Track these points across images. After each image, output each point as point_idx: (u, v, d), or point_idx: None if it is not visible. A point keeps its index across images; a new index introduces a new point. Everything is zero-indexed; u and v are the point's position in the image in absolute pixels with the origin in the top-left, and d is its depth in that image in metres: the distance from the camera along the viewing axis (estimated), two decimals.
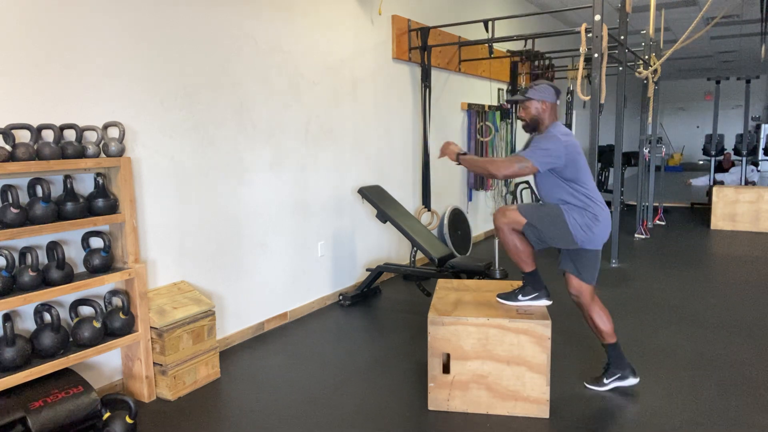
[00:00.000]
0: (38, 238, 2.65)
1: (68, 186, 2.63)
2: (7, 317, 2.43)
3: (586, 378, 3.08)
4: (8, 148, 2.43)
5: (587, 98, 4.66)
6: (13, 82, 2.55)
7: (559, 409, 2.79)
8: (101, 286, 2.84)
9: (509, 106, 7.37)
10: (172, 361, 2.99)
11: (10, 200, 2.43)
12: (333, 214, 4.62)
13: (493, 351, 2.71)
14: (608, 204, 2.89)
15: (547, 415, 2.72)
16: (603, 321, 2.89)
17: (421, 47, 5.50)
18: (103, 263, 2.76)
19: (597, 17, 4.45)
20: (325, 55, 4.42)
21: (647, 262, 5.82)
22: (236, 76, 3.66)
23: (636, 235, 7.16)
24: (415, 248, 4.94)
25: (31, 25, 2.59)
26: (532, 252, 2.86)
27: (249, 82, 3.75)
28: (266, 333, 3.96)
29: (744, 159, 9.48)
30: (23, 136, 2.58)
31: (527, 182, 7.38)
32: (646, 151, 7.08)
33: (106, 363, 3.01)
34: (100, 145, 2.75)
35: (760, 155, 11.14)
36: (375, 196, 4.65)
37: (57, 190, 2.73)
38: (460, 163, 2.85)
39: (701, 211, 9.24)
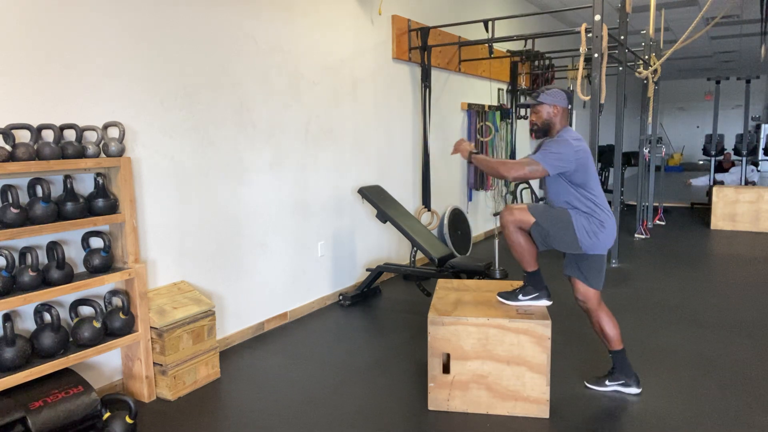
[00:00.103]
0: (38, 238, 2.65)
1: (68, 186, 2.63)
2: (7, 317, 2.43)
3: (586, 378, 3.08)
4: (8, 148, 2.43)
5: (587, 98, 4.66)
6: (13, 82, 2.55)
7: (559, 409, 2.79)
8: (101, 286, 2.84)
9: (509, 108, 7.37)
10: (172, 361, 2.99)
11: (10, 200, 2.42)
12: (333, 214, 4.62)
13: (493, 351, 2.71)
14: (608, 204, 2.89)
15: (547, 415, 2.72)
16: (610, 327, 2.89)
17: (421, 47, 5.50)
18: (103, 263, 2.76)
19: (597, 17, 4.45)
20: (325, 55, 4.42)
21: (647, 262, 5.82)
22: (236, 76, 3.66)
23: (636, 235, 7.16)
24: (415, 248, 4.94)
25: (31, 25, 2.59)
26: (535, 252, 2.86)
27: (249, 82, 3.75)
28: (266, 333, 3.96)
29: (744, 159, 9.48)
30: (23, 136, 2.58)
31: (527, 183, 7.38)
32: (646, 151, 7.08)
33: (106, 363, 3.01)
34: (100, 145, 2.75)
35: (760, 155, 11.15)
36: (375, 196, 4.65)
37: (57, 190, 2.73)
38: (471, 162, 2.86)
39: (701, 211, 9.24)
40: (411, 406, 2.86)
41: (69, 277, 2.63)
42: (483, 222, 7.30)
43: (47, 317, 2.63)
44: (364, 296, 4.70)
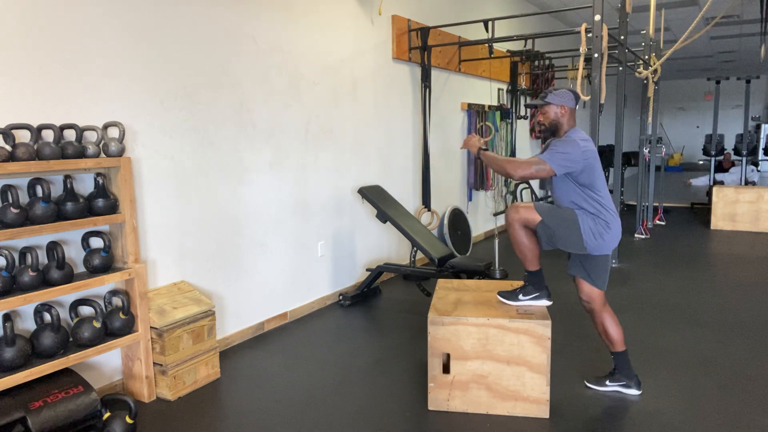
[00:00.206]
0: (38, 238, 2.65)
1: (68, 186, 2.63)
2: (7, 317, 2.43)
3: (586, 378, 3.08)
4: (8, 148, 2.43)
5: (587, 98, 4.66)
6: (13, 82, 2.55)
7: (559, 409, 2.79)
8: (101, 286, 2.84)
9: (509, 108, 7.38)
10: (172, 361, 2.99)
11: (10, 200, 2.42)
12: (333, 214, 4.62)
13: (493, 351, 2.71)
14: (614, 205, 2.89)
15: (547, 415, 2.72)
16: (614, 329, 2.89)
17: (421, 47, 5.50)
18: (103, 263, 2.76)
19: (597, 17, 4.45)
20: (325, 55, 4.43)
21: (647, 262, 5.82)
22: (236, 76, 3.66)
23: (636, 235, 7.16)
24: (415, 248, 4.94)
25: (31, 25, 2.59)
26: (538, 251, 2.86)
27: (249, 82, 3.75)
28: (266, 333, 3.96)
29: (744, 159, 9.48)
30: (23, 136, 2.58)
31: (527, 183, 7.38)
32: (646, 151, 7.08)
33: (106, 363, 3.01)
34: (100, 145, 2.75)
35: (760, 155, 11.14)
36: (375, 196, 4.65)
37: (57, 190, 2.73)
38: (479, 158, 2.86)
39: (701, 211, 9.24)
40: (411, 406, 2.86)
41: (69, 277, 2.63)
42: (483, 222, 7.30)
43: (47, 317, 2.64)
44: (364, 296, 4.70)
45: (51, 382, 2.54)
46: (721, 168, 10.30)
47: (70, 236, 2.82)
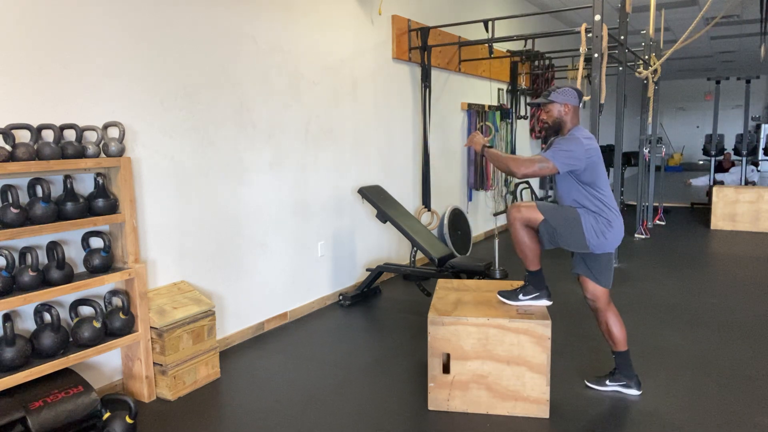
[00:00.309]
0: (38, 238, 2.65)
1: (68, 186, 2.63)
2: (7, 317, 2.43)
3: (586, 377, 3.08)
4: (8, 148, 2.43)
5: (587, 98, 4.65)
6: (13, 82, 2.55)
7: (559, 409, 2.79)
8: (101, 286, 2.84)
9: (509, 108, 7.37)
10: (172, 361, 2.99)
11: (10, 200, 2.42)
12: (333, 214, 4.62)
13: (493, 351, 2.71)
14: (616, 203, 2.88)
15: (547, 415, 2.72)
16: (618, 328, 2.88)
17: (421, 47, 5.50)
18: (103, 263, 2.76)
19: (597, 17, 4.45)
20: (325, 55, 4.43)
21: (647, 262, 5.82)
22: (236, 76, 3.66)
23: (636, 235, 7.16)
24: (415, 248, 4.94)
25: (31, 25, 2.59)
26: (539, 251, 2.86)
27: (249, 82, 3.75)
28: (266, 333, 3.96)
29: (744, 159, 9.48)
30: (23, 136, 2.58)
31: (527, 182, 7.38)
32: (646, 151, 7.08)
33: (106, 363, 3.01)
34: (100, 145, 2.75)
35: (760, 155, 11.14)
36: (375, 196, 4.65)
37: (57, 190, 2.73)
38: (483, 155, 2.86)
39: (701, 211, 9.24)
40: (411, 406, 2.86)
41: (69, 277, 2.63)
42: (483, 222, 7.30)
43: (47, 317, 2.64)
44: (364, 296, 4.70)
45: (51, 382, 2.54)
46: (721, 168, 10.31)
47: (70, 236, 2.82)
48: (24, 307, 2.61)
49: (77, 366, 2.82)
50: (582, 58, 4.54)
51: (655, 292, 4.77)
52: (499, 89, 7.45)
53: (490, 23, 5.31)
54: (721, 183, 9.49)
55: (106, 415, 2.53)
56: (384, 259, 5.29)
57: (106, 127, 2.82)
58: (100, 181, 2.71)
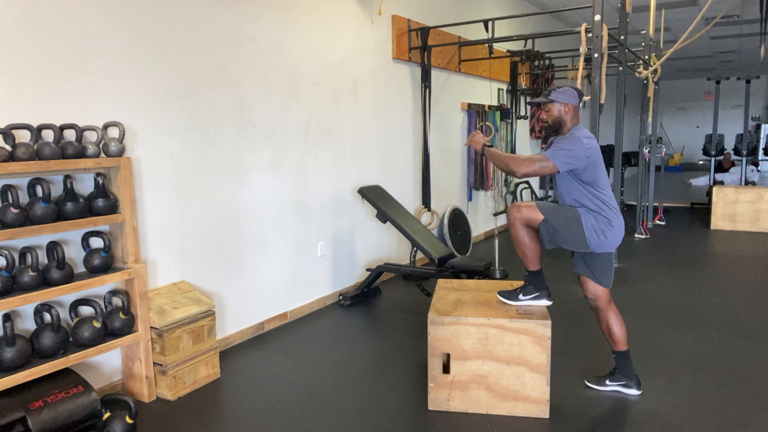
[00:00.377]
0: (38, 238, 2.65)
1: (68, 186, 2.63)
2: (7, 317, 2.43)
3: (586, 377, 3.08)
4: (8, 148, 2.43)
5: (587, 98, 4.65)
6: (13, 82, 2.55)
7: (559, 409, 2.79)
8: (101, 286, 2.84)
9: (509, 108, 7.37)
10: (172, 361, 2.99)
11: (10, 200, 2.42)
12: (333, 214, 4.62)
13: (493, 351, 2.71)
14: (617, 202, 2.89)
15: (547, 415, 2.72)
16: (618, 328, 2.89)
17: (421, 47, 5.50)
18: (103, 263, 2.76)
19: (597, 17, 4.45)
20: (325, 55, 4.43)
21: (647, 262, 5.82)
22: (236, 76, 3.66)
23: (636, 235, 7.16)
24: (415, 248, 4.94)
25: (31, 25, 2.59)
26: (539, 251, 2.86)
27: (249, 82, 3.75)
28: (266, 333, 3.96)
29: (744, 159, 9.48)
30: (23, 136, 2.58)
31: (527, 182, 7.38)
32: (646, 151, 7.08)
33: (106, 363, 3.01)
34: (100, 145, 2.75)
35: (760, 155, 11.15)
36: (375, 196, 4.65)
37: (57, 190, 2.73)
38: (483, 154, 2.86)
39: (701, 211, 9.24)
40: (411, 406, 2.86)
41: (69, 277, 2.63)
42: (483, 222, 7.30)
43: (47, 317, 2.63)
44: (364, 296, 4.70)
45: (51, 382, 2.54)
46: (721, 168, 10.31)
47: (70, 236, 2.82)
48: (24, 307, 2.61)
49: (77, 366, 2.82)
50: (582, 58, 4.54)
51: (655, 292, 4.77)
52: (499, 89, 7.45)
53: (490, 23, 5.31)
54: (721, 183, 9.49)
55: (106, 415, 2.53)
56: (384, 259, 5.29)
57: (106, 127, 2.82)
58: (100, 181, 2.71)
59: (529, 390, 2.71)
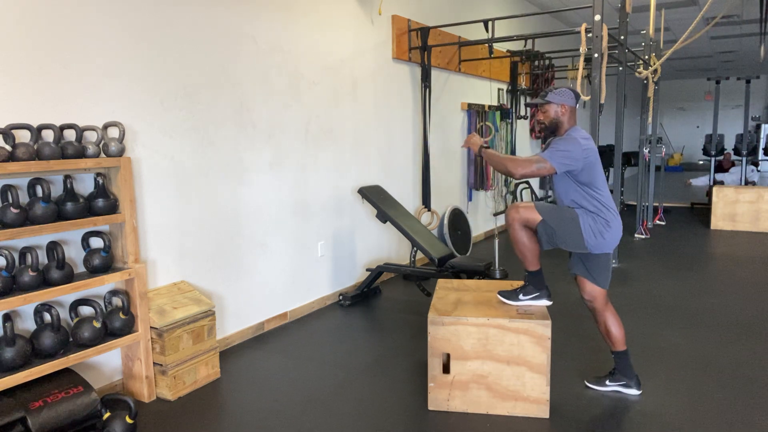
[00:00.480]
0: (38, 238, 2.65)
1: (68, 186, 2.63)
2: (7, 317, 2.43)
3: (586, 378, 3.08)
4: (8, 148, 2.43)
5: (587, 98, 4.66)
6: (13, 82, 2.55)
7: (559, 409, 2.79)
8: (101, 286, 2.84)
9: (509, 108, 7.37)
10: (172, 361, 2.99)
11: (10, 200, 2.42)
12: (333, 214, 4.62)
13: (493, 351, 2.71)
14: (620, 219, 2.89)
15: (547, 415, 2.72)
16: (616, 328, 2.89)
17: (421, 47, 5.50)
18: (103, 263, 2.76)
19: (597, 17, 4.45)
20: (325, 55, 4.43)
21: (647, 262, 5.82)
22: (236, 76, 3.66)
23: (636, 235, 7.16)
24: (415, 248, 4.94)
25: (31, 25, 2.59)
26: (538, 251, 2.86)
27: (249, 82, 3.75)
28: (266, 333, 3.96)
29: (744, 159, 9.48)
30: (23, 136, 2.58)
31: (527, 182, 7.38)
32: (646, 151, 7.08)
33: (106, 363, 3.01)
34: (100, 145, 2.75)
35: (760, 155, 11.14)
36: (375, 196, 4.65)
37: (57, 190, 2.73)
38: (481, 156, 2.86)
39: (701, 211, 9.24)
40: (411, 406, 2.86)
41: (69, 277, 2.63)
42: (483, 222, 7.30)
43: (47, 317, 2.63)
44: (364, 296, 4.70)
45: (51, 382, 2.54)
46: (721, 168, 10.30)
47: (70, 236, 2.82)
48: (24, 307, 2.61)
49: (77, 366, 2.82)
50: (582, 58, 4.54)
51: (655, 292, 4.77)
52: (499, 89, 7.45)
53: (490, 23, 5.31)
54: (721, 183, 9.49)
55: (106, 415, 2.53)
56: (384, 259, 5.29)
57: (106, 127, 2.82)
58: (100, 181, 2.71)
59: (529, 390, 2.71)
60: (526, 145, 8.28)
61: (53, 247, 2.60)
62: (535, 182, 8.37)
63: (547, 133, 2.88)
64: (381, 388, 3.07)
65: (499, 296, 2.93)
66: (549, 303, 2.87)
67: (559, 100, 2.79)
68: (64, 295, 2.64)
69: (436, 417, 2.75)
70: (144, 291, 2.93)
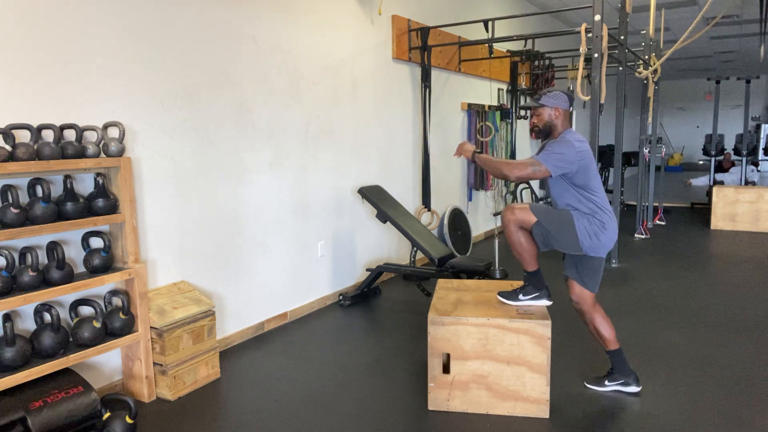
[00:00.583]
0: (38, 238, 2.65)
1: (68, 186, 2.63)
2: (7, 317, 2.43)
3: (586, 378, 3.08)
4: (8, 148, 2.43)
5: (587, 98, 4.66)
6: (13, 82, 2.55)
7: (559, 409, 2.79)
8: (101, 286, 2.84)
9: (509, 108, 7.38)
10: (172, 361, 2.99)
11: (10, 200, 2.42)
12: (333, 214, 4.62)
13: (493, 351, 2.71)
14: (610, 204, 2.89)
15: (547, 415, 2.72)
16: (605, 328, 2.89)
17: (421, 47, 5.50)
18: (103, 263, 2.76)
19: (597, 17, 4.45)
20: (325, 55, 4.43)
21: (647, 262, 5.82)
22: (236, 76, 3.66)
23: (636, 235, 7.16)
24: (415, 248, 4.94)
25: (31, 25, 2.59)
26: (536, 252, 2.86)
27: (249, 82, 3.75)
28: (266, 333, 3.96)
29: (744, 159, 9.48)
30: (23, 136, 2.58)
31: (528, 183, 7.38)
32: (646, 151, 7.08)
33: (106, 363, 3.01)
34: (100, 145, 2.75)
35: (760, 155, 11.14)
36: (375, 196, 4.65)
37: (57, 190, 2.73)
38: (475, 162, 2.86)
39: (701, 211, 9.24)
40: (411, 406, 2.86)
41: (69, 277, 2.63)
42: (483, 222, 7.30)
43: (47, 317, 2.63)
44: (364, 296, 4.70)
45: (51, 382, 2.54)
46: (721, 168, 10.30)
47: (70, 236, 2.82)
48: (24, 307, 2.61)
49: (77, 366, 2.82)
50: (582, 58, 4.54)
51: (655, 292, 4.77)
52: (499, 89, 7.45)
53: (490, 23, 5.31)
54: (721, 183, 9.49)
55: (106, 415, 2.54)
56: (384, 259, 5.29)
57: (106, 127, 2.82)
58: (100, 181, 2.71)
59: (529, 390, 2.71)
60: (526, 145, 8.28)
61: (53, 247, 2.60)
62: (535, 183, 8.37)
63: (540, 135, 2.89)
64: (381, 388, 3.07)
65: (498, 297, 2.93)
66: (549, 303, 2.88)
67: (552, 103, 2.80)
68: (64, 295, 2.64)
69: (436, 417, 2.75)
70: (144, 291, 2.93)
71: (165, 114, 3.23)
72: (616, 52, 5.81)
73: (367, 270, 4.67)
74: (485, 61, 6.74)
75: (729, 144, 13.22)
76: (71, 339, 2.70)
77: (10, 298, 2.40)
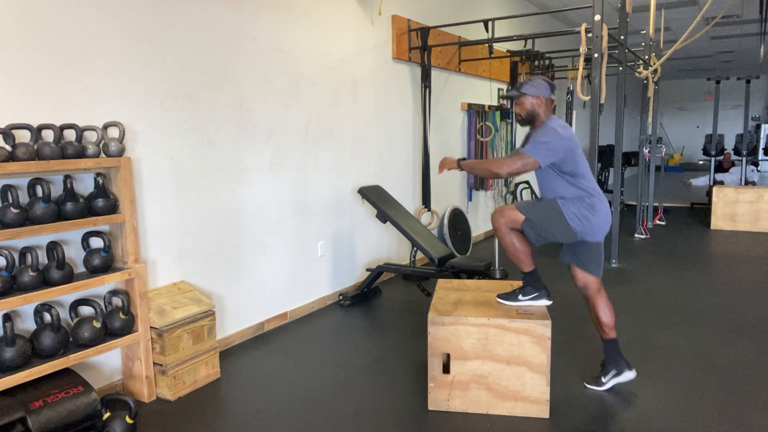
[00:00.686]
0: (38, 238, 2.65)
1: (68, 186, 2.63)
2: (7, 317, 2.43)
3: (586, 378, 3.08)
4: (8, 148, 2.43)
5: (587, 98, 4.66)
6: (13, 82, 2.55)
7: (559, 409, 2.79)
8: (101, 286, 2.84)
9: (507, 103, 7.38)
10: (172, 361, 2.99)
11: (10, 200, 2.43)
12: (333, 214, 4.62)
13: (493, 351, 2.71)
14: (608, 204, 2.90)
15: (547, 415, 2.72)
16: (606, 314, 2.90)
17: (421, 47, 5.50)
18: (103, 263, 2.76)
19: (597, 17, 4.45)
20: (325, 55, 4.43)
21: (647, 262, 5.82)
22: (236, 76, 3.66)
23: (636, 235, 7.16)
24: (415, 248, 4.94)
25: (31, 25, 2.59)
26: (530, 251, 2.87)
27: (249, 82, 3.75)
28: (266, 333, 3.96)
29: (744, 159, 9.48)
30: (23, 136, 2.58)
31: (527, 182, 7.38)
32: (646, 151, 7.08)
33: (106, 363, 3.01)
34: (100, 145, 2.75)
35: (760, 155, 11.14)
36: (375, 196, 4.65)
37: (57, 190, 2.73)
38: (462, 169, 2.86)
39: (701, 211, 9.24)
40: (411, 406, 2.86)
41: (69, 277, 2.63)
42: (483, 222, 7.30)
43: (47, 317, 2.64)
44: (364, 296, 4.70)
45: (51, 382, 2.54)
46: (721, 168, 10.30)
47: (70, 236, 2.82)
48: (24, 307, 2.61)
49: (77, 366, 2.82)
50: (582, 58, 4.54)
51: (655, 291, 4.77)
52: (499, 89, 7.45)
53: (490, 23, 5.31)
54: (721, 183, 9.49)
55: (106, 415, 2.54)
56: (384, 259, 5.29)
57: (106, 127, 2.82)
58: (100, 181, 2.71)
59: (529, 390, 2.71)
60: None
61: (53, 247, 2.60)
62: (534, 183, 8.36)
63: (524, 125, 2.90)
64: (381, 388, 3.07)
65: (498, 299, 2.93)
66: (549, 302, 2.88)
67: (534, 92, 2.79)
68: (64, 295, 2.64)
69: (436, 417, 2.75)
70: (144, 291, 2.93)
71: (165, 114, 3.23)
72: (616, 52, 5.81)
73: (367, 270, 4.67)
74: (485, 61, 6.74)
75: (729, 144, 13.24)
76: (71, 339, 2.70)
77: (10, 298, 2.40)
